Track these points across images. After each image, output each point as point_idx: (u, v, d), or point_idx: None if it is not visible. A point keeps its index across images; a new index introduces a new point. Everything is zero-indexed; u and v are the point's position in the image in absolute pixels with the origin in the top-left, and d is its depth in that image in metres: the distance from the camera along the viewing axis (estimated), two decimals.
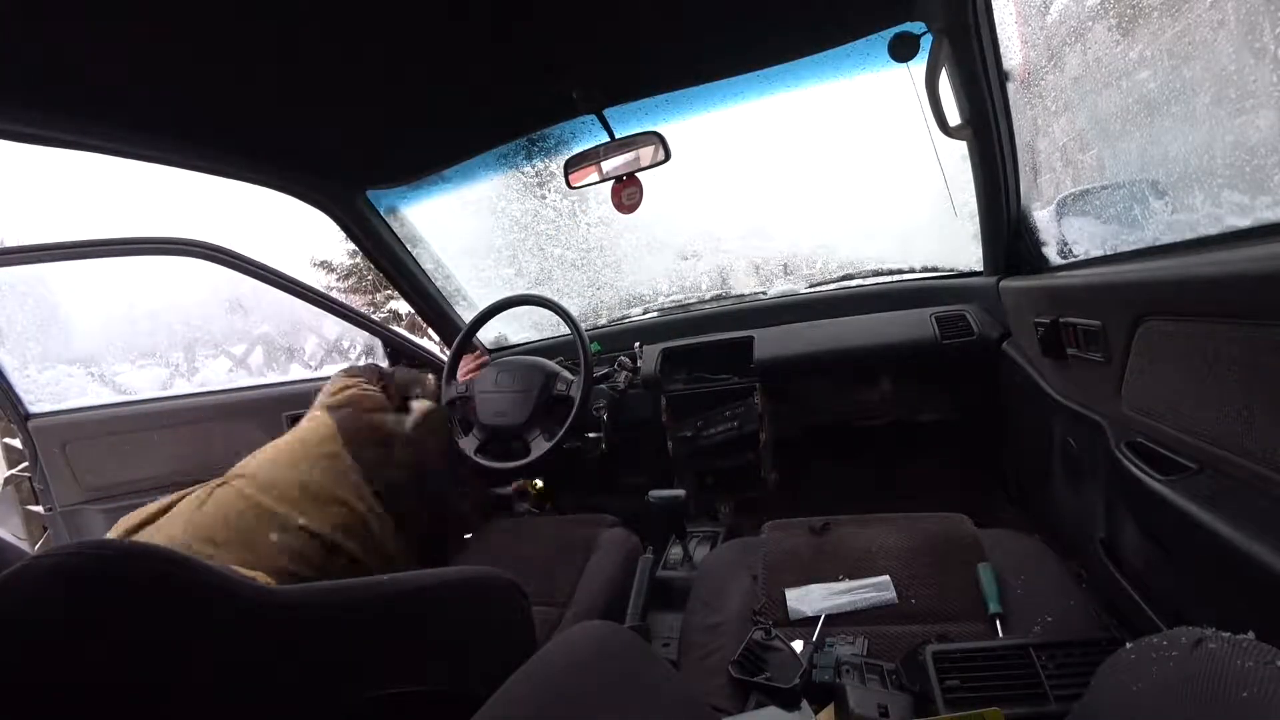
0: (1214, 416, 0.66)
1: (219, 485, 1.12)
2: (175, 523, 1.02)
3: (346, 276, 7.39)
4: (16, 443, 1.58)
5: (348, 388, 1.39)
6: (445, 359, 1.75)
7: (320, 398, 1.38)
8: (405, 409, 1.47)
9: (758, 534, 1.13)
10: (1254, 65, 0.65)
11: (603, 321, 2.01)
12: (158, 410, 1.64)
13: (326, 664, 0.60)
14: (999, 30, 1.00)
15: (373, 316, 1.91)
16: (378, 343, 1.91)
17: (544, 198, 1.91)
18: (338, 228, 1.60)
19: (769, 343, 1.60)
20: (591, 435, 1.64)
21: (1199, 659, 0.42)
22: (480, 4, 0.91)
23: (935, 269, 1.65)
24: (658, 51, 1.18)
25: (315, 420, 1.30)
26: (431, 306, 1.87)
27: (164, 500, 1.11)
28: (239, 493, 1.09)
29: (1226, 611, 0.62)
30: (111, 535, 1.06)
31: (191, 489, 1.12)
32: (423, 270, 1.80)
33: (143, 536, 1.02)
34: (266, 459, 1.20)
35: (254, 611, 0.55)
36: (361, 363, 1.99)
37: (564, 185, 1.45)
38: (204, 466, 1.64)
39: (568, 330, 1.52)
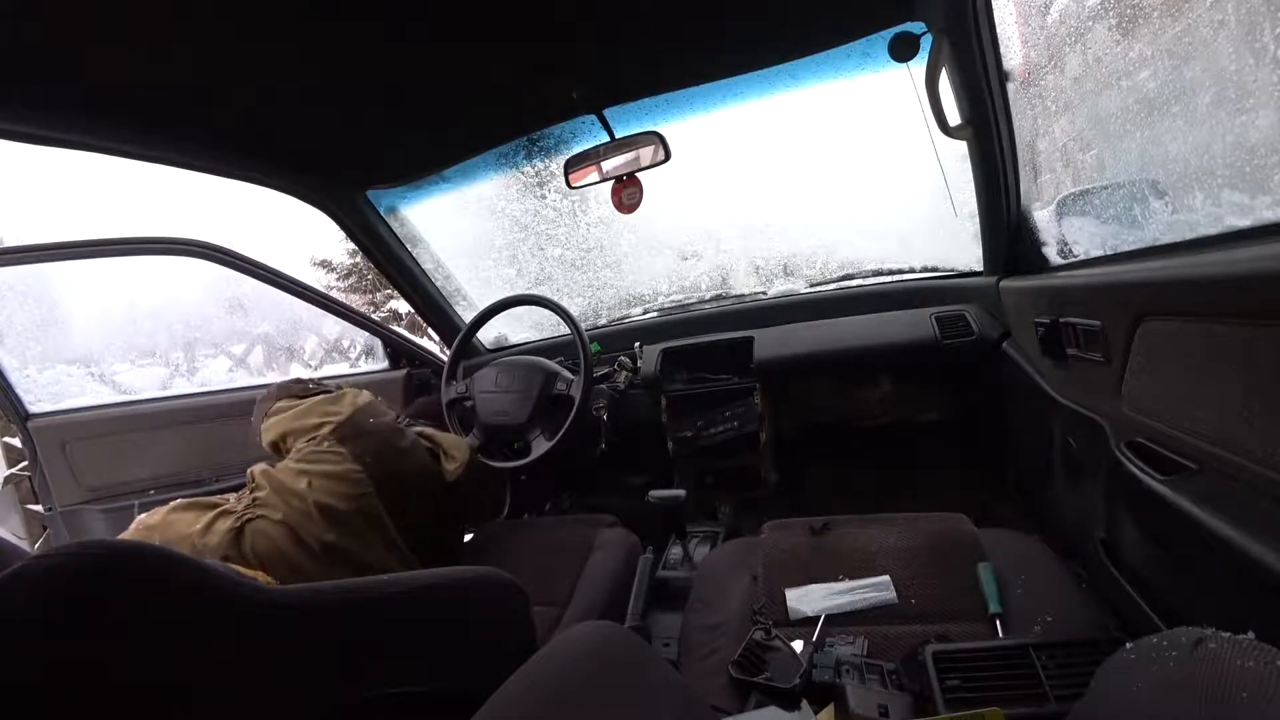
0: (1214, 416, 0.66)
1: (246, 521, 1.03)
2: (209, 550, 0.98)
3: (346, 276, 7.41)
4: (16, 442, 1.58)
5: (335, 401, 1.26)
6: (445, 359, 1.75)
7: (313, 418, 1.22)
8: (434, 449, 1.36)
9: (758, 534, 1.13)
10: (1254, 65, 0.65)
11: (603, 321, 2.01)
12: (158, 410, 1.64)
13: (326, 664, 0.60)
14: (999, 30, 1.00)
15: (373, 316, 1.92)
16: (378, 343, 1.91)
17: (544, 198, 1.91)
18: (338, 228, 1.60)
19: (769, 343, 1.60)
20: (591, 435, 1.64)
21: (1199, 659, 0.42)
22: (480, 4, 0.91)
23: (935, 269, 1.65)
24: (658, 51, 1.18)
25: (335, 464, 1.14)
26: (431, 306, 1.87)
27: (162, 510, 1.05)
28: (273, 543, 1.01)
29: (1226, 611, 0.62)
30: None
31: (192, 504, 1.06)
32: (423, 270, 1.80)
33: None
34: (292, 504, 1.07)
35: (254, 611, 0.54)
36: (364, 365, 1.99)
37: (564, 185, 1.45)
38: (204, 467, 1.64)
39: (568, 330, 1.52)
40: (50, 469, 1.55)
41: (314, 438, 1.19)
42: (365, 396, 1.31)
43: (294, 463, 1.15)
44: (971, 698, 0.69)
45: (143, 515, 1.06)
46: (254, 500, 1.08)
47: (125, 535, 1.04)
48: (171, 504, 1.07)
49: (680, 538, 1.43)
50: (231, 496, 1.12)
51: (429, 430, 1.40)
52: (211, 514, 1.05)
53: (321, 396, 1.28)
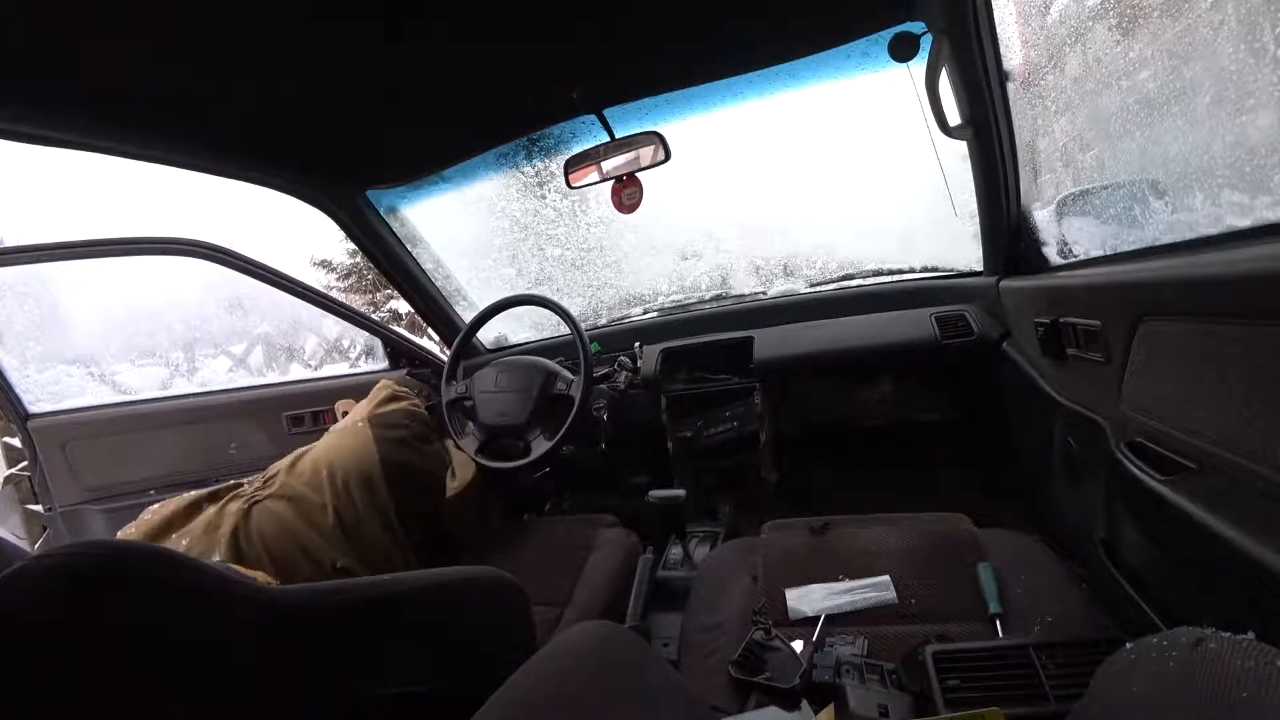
0: (1214, 416, 0.66)
1: (255, 502, 1.11)
2: (214, 540, 1.05)
3: (346, 276, 7.40)
4: (16, 442, 1.58)
5: (395, 398, 1.39)
6: (445, 359, 1.75)
7: (363, 405, 1.37)
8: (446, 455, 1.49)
9: (758, 534, 1.13)
10: (1254, 65, 0.65)
11: (603, 321, 2.01)
12: (158, 410, 1.64)
13: (326, 664, 0.60)
14: (999, 30, 1.00)
15: (373, 316, 1.91)
16: (378, 342, 1.91)
17: (544, 198, 1.91)
18: (338, 228, 1.60)
19: (769, 343, 1.60)
20: (591, 435, 1.64)
21: (1199, 659, 0.42)
22: (480, 4, 0.91)
23: (935, 269, 1.65)
24: (658, 51, 1.18)
25: (356, 437, 1.26)
26: (431, 306, 1.87)
27: (180, 503, 1.11)
28: (279, 521, 1.09)
29: (1226, 611, 0.62)
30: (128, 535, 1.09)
31: (214, 494, 1.14)
32: (423, 270, 1.80)
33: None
34: (303, 479, 1.17)
35: (254, 611, 0.55)
36: (364, 365, 2.00)
37: (564, 185, 1.45)
38: (204, 467, 1.64)
39: (568, 330, 1.52)
40: (50, 469, 1.55)
41: (352, 420, 1.32)
42: (417, 407, 1.46)
43: (324, 439, 1.28)
44: (971, 698, 0.69)
45: (154, 506, 1.12)
46: (265, 482, 1.17)
47: (134, 527, 1.10)
48: (181, 496, 1.14)
49: (680, 538, 1.43)
50: (245, 481, 1.20)
51: (451, 448, 1.51)
52: (224, 499, 1.14)
53: (384, 388, 1.44)
